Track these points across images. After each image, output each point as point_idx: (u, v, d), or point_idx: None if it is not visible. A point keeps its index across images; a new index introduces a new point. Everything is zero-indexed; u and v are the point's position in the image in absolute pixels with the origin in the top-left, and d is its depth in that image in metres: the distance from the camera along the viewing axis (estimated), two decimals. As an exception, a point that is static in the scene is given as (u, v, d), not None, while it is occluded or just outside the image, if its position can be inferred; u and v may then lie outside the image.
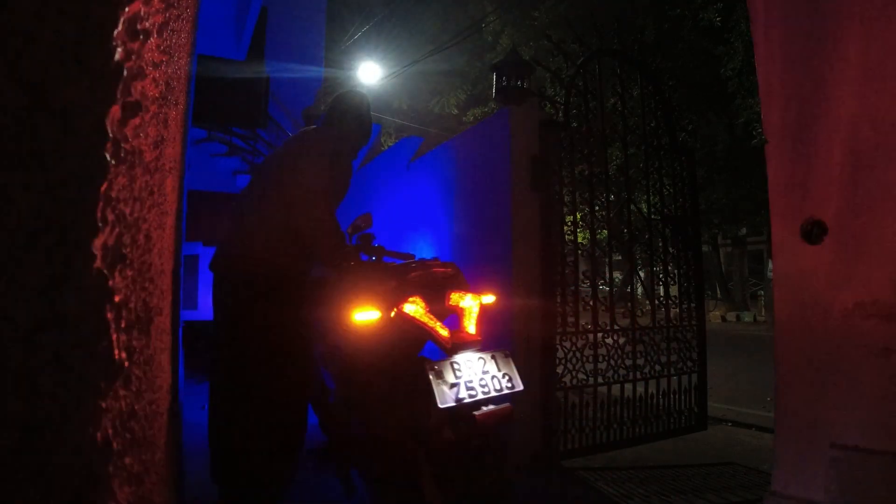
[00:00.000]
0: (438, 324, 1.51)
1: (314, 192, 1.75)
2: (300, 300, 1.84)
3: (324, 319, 2.06)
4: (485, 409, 1.41)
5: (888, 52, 1.68)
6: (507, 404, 1.44)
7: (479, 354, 1.50)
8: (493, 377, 1.46)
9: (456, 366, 1.42)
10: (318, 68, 6.06)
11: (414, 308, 1.50)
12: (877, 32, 1.71)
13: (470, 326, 1.56)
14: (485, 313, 1.65)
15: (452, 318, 1.62)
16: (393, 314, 1.52)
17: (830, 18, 1.85)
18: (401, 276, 1.58)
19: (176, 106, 0.85)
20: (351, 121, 2.12)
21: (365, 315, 1.55)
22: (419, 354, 1.70)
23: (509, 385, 1.46)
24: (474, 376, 1.43)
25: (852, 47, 1.78)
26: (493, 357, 1.51)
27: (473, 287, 1.68)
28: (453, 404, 1.35)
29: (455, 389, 1.37)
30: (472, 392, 1.40)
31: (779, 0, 2.04)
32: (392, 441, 1.52)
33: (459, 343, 1.49)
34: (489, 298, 1.65)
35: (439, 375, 1.39)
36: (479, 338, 1.55)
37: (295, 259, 1.84)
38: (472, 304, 1.57)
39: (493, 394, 1.42)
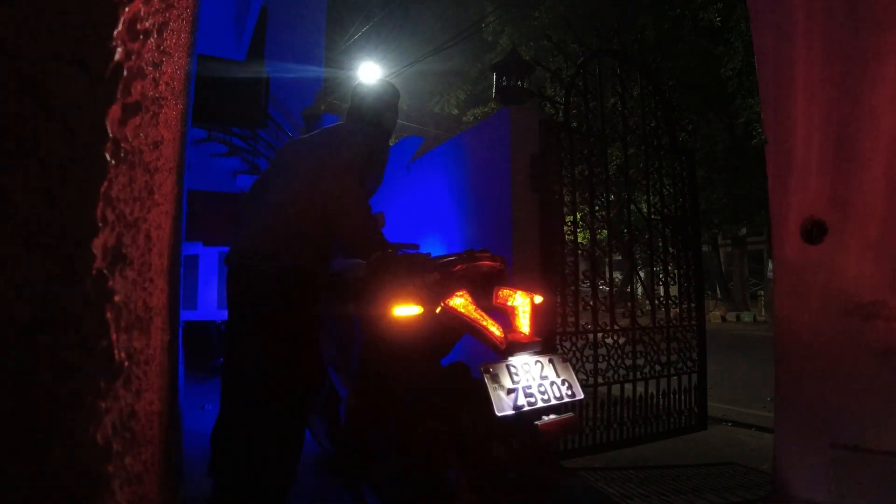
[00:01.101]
0: (490, 321, 1.36)
1: (347, 175, 1.68)
2: (311, 300, 1.78)
3: (343, 316, 1.92)
4: (546, 418, 1.27)
5: (886, 53, 1.68)
6: (570, 414, 1.31)
7: (535, 358, 1.35)
8: (552, 383, 1.31)
9: (512, 369, 1.28)
10: (318, 68, 6.06)
11: (462, 303, 1.35)
12: (873, 33, 1.71)
13: (523, 326, 1.42)
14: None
15: (495, 316, 1.47)
16: (438, 310, 1.37)
17: (830, 18, 1.85)
18: (445, 269, 1.44)
19: (176, 106, 0.85)
20: (388, 111, 2.11)
21: (405, 310, 1.40)
22: (443, 358, 1.61)
23: (569, 393, 1.32)
24: (532, 381, 1.29)
25: (850, 45, 1.78)
26: (550, 361, 1.37)
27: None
28: (512, 412, 1.21)
29: (513, 396, 1.23)
30: (532, 399, 1.25)
31: (779, 0, 2.04)
32: (421, 458, 1.35)
33: (515, 343, 1.34)
34: (538, 299, 1.51)
35: (495, 379, 1.23)
36: (538, 339, 1.40)
37: (310, 257, 1.78)
38: (523, 303, 1.44)
39: (554, 402, 1.28)
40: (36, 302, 0.50)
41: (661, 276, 3.35)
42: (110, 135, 0.57)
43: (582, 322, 2.87)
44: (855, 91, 1.77)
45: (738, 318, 14.08)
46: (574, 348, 2.79)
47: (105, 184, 0.56)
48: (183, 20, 0.83)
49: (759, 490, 2.29)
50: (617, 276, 10.76)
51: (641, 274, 3.41)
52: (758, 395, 4.44)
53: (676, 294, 3.23)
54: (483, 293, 1.43)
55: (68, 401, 0.52)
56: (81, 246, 0.54)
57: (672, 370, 3.09)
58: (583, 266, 3.07)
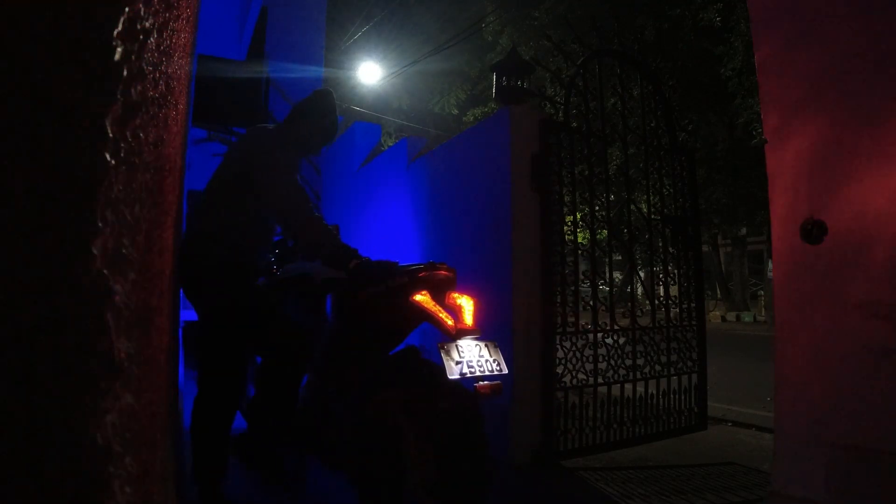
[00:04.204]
0: (445, 313, 1.80)
1: (300, 206, 1.92)
2: (237, 290, 1.98)
3: (310, 308, 2.29)
4: (481, 383, 1.73)
5: (887, 52, 1.68)
6: (498, 381, 1.75)
7: (476, 342, 1.80)
8: (486, 360, 1.78)
9: (459, 348, 1.74)
10: (318, 68, 6.05)
11: (425, 299, 1.80)
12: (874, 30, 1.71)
13: (468, 319, 1.86)
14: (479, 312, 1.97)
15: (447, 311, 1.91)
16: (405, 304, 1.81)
17: (830, 17, 1.85)
18: (411, 275, 1.85)
19: (176, 106, 0.85)
20: (311, 123, 2.15)
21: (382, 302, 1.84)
22: (402, 341, 2.01)
23: (498, 368, 1.78)
24: (473, 358, 1.75)
25: (850, 47, 1.78)
26: (486, 345, 1.83)
27: (465, 289, 1.96)
28: (458, 377, 1.66)
29: (459, 366, 1.69)
30: (472, 369, 1.71)
31: (779, 0, 2.04)
32: (382, 419, 1.76)
33: (462, 331, 1.79)
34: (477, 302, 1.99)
35: (448, 354, 1.69)
36: (478, 329, 1.83)
37: (243, 257, 2.01)
38: (468, 303, 1.89)
39: (487, 373, 1.74)
40: (36, 302, 0.50)
41: (661, 276, 3.35)
42: (110, 135, 0.57)
43: (582, 322, 2.87)
44: (855, 90, 1.77)
45: (738, 318, 14.08)
46: (574, 348, 2.79)
47: (105, 184, 0.56)
48: (183, 20, 0.83)
49: (759, 490, 2.29)
50: (617, 276, 10.76)
51: (641, 274, 3.42)
52: (758, 395, 4.44)
53: (676, 294, 3.23)
54: (438, 295, 1.86)
55: (68, 401, 0.52)
56: (81, 246, 0.54)
57: (672, 370, 3.09)
58: (583, 266, 3.07)
